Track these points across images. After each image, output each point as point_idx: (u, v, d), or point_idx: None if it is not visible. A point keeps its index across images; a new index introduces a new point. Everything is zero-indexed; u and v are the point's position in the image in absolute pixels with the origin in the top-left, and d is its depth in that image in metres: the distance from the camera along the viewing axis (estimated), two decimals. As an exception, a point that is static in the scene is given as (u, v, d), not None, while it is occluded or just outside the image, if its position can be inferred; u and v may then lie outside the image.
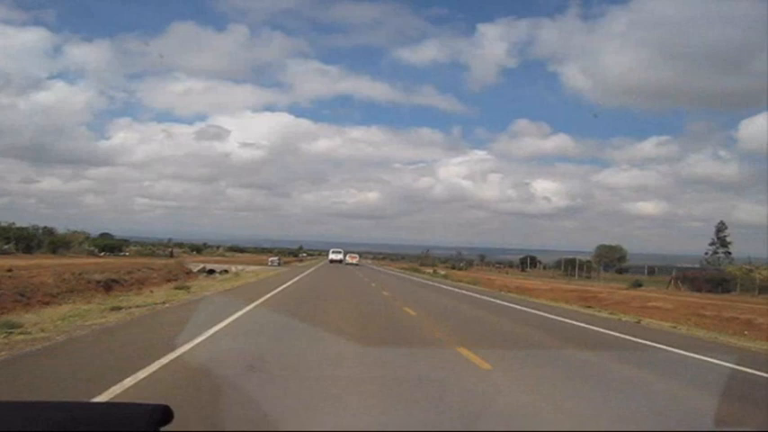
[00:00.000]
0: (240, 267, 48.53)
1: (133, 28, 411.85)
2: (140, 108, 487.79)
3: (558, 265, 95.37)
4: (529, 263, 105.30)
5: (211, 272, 45.49)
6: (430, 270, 76.66)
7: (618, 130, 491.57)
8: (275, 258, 68.69)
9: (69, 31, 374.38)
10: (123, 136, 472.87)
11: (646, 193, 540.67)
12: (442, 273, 72.23)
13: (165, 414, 1.57)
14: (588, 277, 77.97)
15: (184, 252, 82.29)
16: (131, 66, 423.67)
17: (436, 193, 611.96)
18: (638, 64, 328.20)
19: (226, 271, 46.14)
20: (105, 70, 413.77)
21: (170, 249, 68.03)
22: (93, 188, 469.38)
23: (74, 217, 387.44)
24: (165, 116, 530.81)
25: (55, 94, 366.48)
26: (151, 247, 69.08)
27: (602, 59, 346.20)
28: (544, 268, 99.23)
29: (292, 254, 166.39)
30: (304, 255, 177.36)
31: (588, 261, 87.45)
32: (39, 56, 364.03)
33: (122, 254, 57.90)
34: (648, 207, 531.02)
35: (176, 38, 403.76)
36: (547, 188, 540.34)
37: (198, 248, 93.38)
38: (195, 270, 43.26)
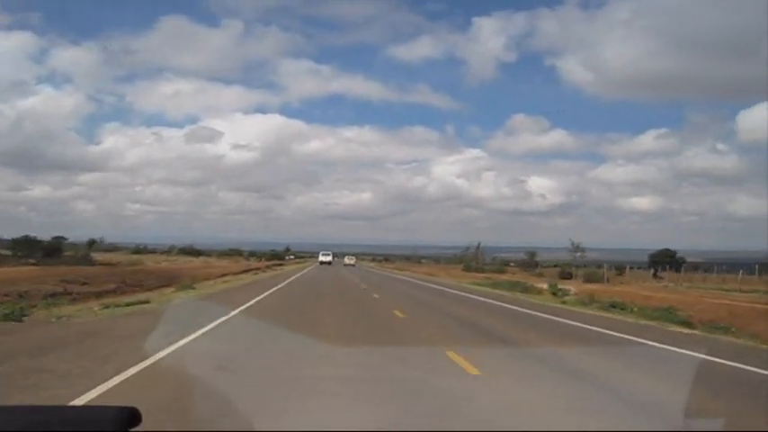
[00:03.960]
0: None
1: (121, 27, 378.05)
2: (129, 111, 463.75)
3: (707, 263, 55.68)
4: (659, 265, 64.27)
5: None
6: (541, 284, 35.12)
7: (616, 123, 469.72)
8: None
9: (56, 34, 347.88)
10: (113, 140, 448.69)
11: (642, 188, 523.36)
12: (568, 290, 31.99)
13: (132, 416, 1.55)
14: None
15: None
16: (119, 68, 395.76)
17: (430, 192, 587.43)
18: (639, 54, 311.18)
19: None
20: (93, 74, 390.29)
21: None
22: (84, 194, 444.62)
23: (66, 224, 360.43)
24: (154, 119, 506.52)
25: (42, 99, 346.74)
26: None
27: (602, 50, 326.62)
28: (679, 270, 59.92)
29: (276, 256, 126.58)
30: (291, 257, 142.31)
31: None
32: (25, 60, 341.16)
33: None
34: (643, 202, 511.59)
35: (165, 34, 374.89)
36: (542, 185, 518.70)
37: (56, 248, 50.92)
38: None
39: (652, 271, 62.73)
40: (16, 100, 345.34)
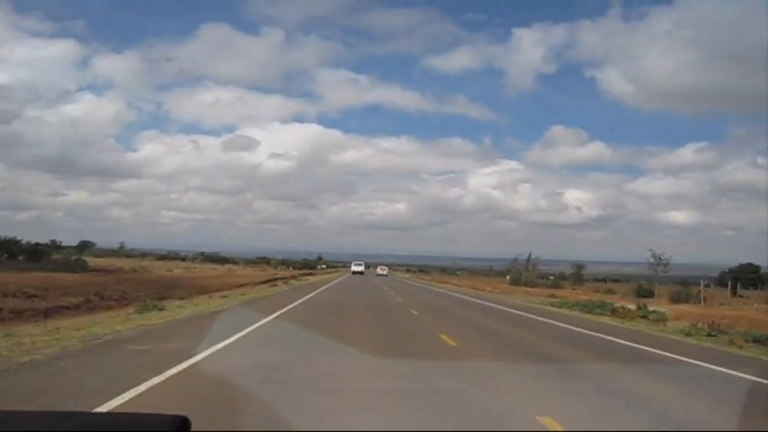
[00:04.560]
0: None
1: (162, 35, 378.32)
2: (168, 120, 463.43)
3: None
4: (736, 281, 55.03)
5: None
6: (627, 305, 26.58)
7: (655, 136, 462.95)
8: None
9: (98, 42, 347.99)
10: (150, 148, 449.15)
11: (679, 202, 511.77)
12: (663, 313, 23.92)
13: (183, 425, 1.56)
14: None
15: None
16: (160, 76, 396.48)
17: (466, 203, 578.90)
18: (680, 66, 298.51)
19: None
20: (133, 81, 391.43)
21: None
22: (120, 201, 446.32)
23: (101, 230, 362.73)
24: (192, 127, 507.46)
25: (83, 107, 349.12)
26: None
27: (643, 62, 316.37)
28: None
29: (307, 265, 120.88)
30: (323, 266, 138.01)
31: None
32: (68, 68, 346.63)
33: None
34: (680, 216, 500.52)
35: (205, 42, 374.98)
36: (579, 198, 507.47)
37: (40, 251, 43.72)
38: None
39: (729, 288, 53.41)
40: (59, 106, 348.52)
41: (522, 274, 66.86)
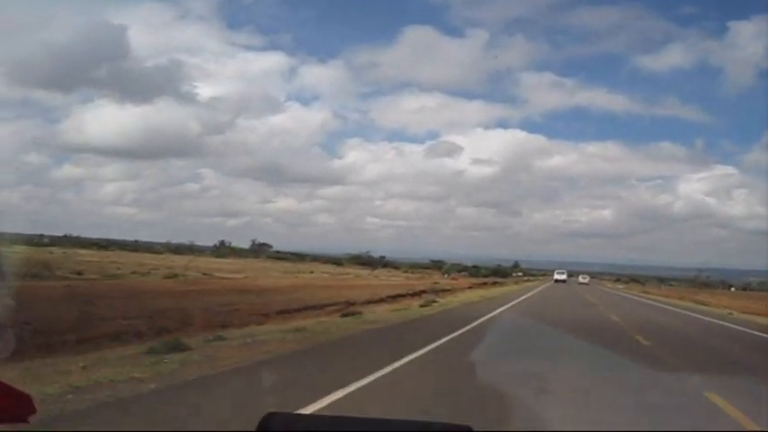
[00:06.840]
0: None
1: (365, 42, 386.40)
2: (372, 127, 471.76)
3: None
4: None
5: None
6: None
7: None
8: None
9: (305, 52, 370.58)
10: (354, 155, 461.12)
11: None
12: None
13: None
14: None
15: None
16: (364, 84, 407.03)
17: (674, 210, 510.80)
18: None
19: None
20: (338, 90, 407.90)
21: None
22: (325, 207, 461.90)
23: (307, 235, 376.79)
24: (396, 134, 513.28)
25: (291, 116, 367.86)
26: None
27: None
28: None
29: (497, 272, 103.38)
30: (519, 274, 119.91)
31: None
32: (276, 79, 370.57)
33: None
34: None
35: (408, 47, 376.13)
36: None
37: None
38: None
39: None
40: (267, 117, 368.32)
41: None
